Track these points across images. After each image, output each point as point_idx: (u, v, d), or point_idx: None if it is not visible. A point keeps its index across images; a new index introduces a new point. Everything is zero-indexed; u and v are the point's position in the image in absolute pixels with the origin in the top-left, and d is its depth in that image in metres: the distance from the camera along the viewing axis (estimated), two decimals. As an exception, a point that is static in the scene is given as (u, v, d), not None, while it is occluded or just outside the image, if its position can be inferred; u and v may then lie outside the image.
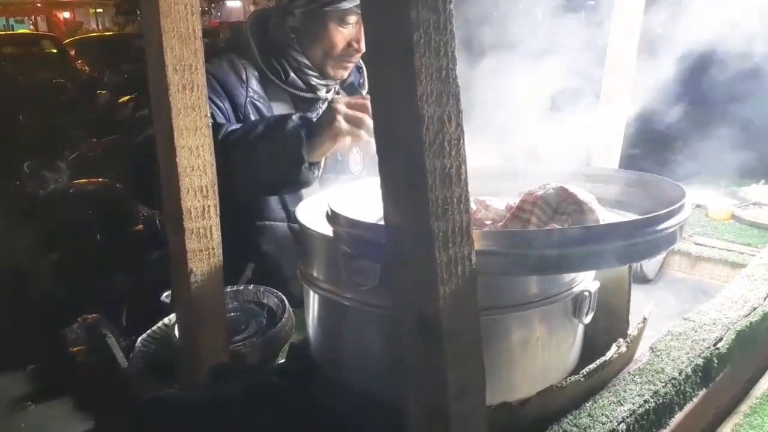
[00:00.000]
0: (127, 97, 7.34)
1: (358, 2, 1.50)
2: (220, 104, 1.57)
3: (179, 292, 1.06)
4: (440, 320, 0.66)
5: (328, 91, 1.71)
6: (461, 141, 0.65)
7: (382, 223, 0.70)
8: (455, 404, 0.67)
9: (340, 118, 1.29)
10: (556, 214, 0.87)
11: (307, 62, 1.64)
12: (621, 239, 0.77)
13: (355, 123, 1.29)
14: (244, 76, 1.62)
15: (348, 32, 1.59)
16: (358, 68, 1.81)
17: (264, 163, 1.34)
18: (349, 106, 1.30)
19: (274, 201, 1.64)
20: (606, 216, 0.91)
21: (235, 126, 1.42)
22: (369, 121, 1.28)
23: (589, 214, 0.85)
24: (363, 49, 1.60)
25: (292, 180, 1.35)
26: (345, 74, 1.70)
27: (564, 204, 0.86)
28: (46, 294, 2.95)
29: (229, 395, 1.05)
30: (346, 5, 1.53)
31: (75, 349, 1.28)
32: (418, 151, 0.62)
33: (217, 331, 1.07)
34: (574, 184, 0.93)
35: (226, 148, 1.34)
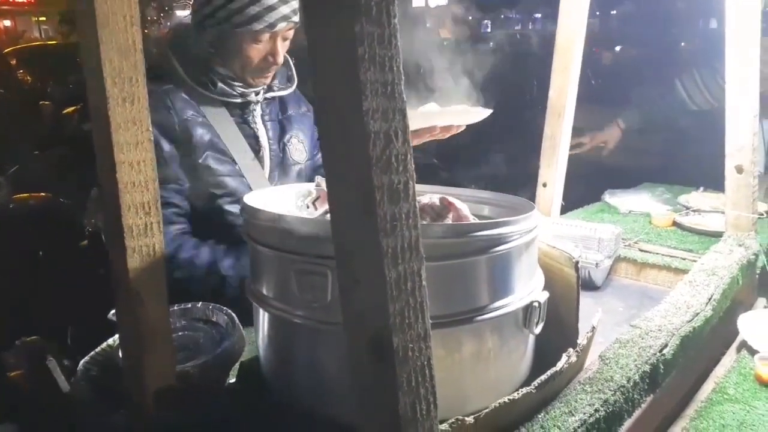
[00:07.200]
0: (72, 108, 7.08)
1: (269, 24, 1.53)
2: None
3: (122, 314, 1.02)
4: (391, 339, 0.65)
5: (257, 95, 1.72)
6: (408, 156, 0.64)
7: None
8: (407, 424, 0.66)
9: None
10: (439, 217, 1.10)
11: (230, 74, 1.65)
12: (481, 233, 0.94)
13: None
14: (168, 103, 1.60)
15: (263, 47, 1.60)
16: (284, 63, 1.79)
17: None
18: None
19: (228, 208, 1.65)
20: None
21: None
22: None
23: (464, 219, 1.11)
24: (280, 61, 1.64)
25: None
26: (267, 81, 1.71)
27: (445, 210, 1.11)
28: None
29: (178, 418, 1.01)
30: (256, 27, 1.53)
31: (14, 373, 1.22)
32: (366, 167, 0.61)
33: (163, 352, 1.03)
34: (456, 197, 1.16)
35: None
